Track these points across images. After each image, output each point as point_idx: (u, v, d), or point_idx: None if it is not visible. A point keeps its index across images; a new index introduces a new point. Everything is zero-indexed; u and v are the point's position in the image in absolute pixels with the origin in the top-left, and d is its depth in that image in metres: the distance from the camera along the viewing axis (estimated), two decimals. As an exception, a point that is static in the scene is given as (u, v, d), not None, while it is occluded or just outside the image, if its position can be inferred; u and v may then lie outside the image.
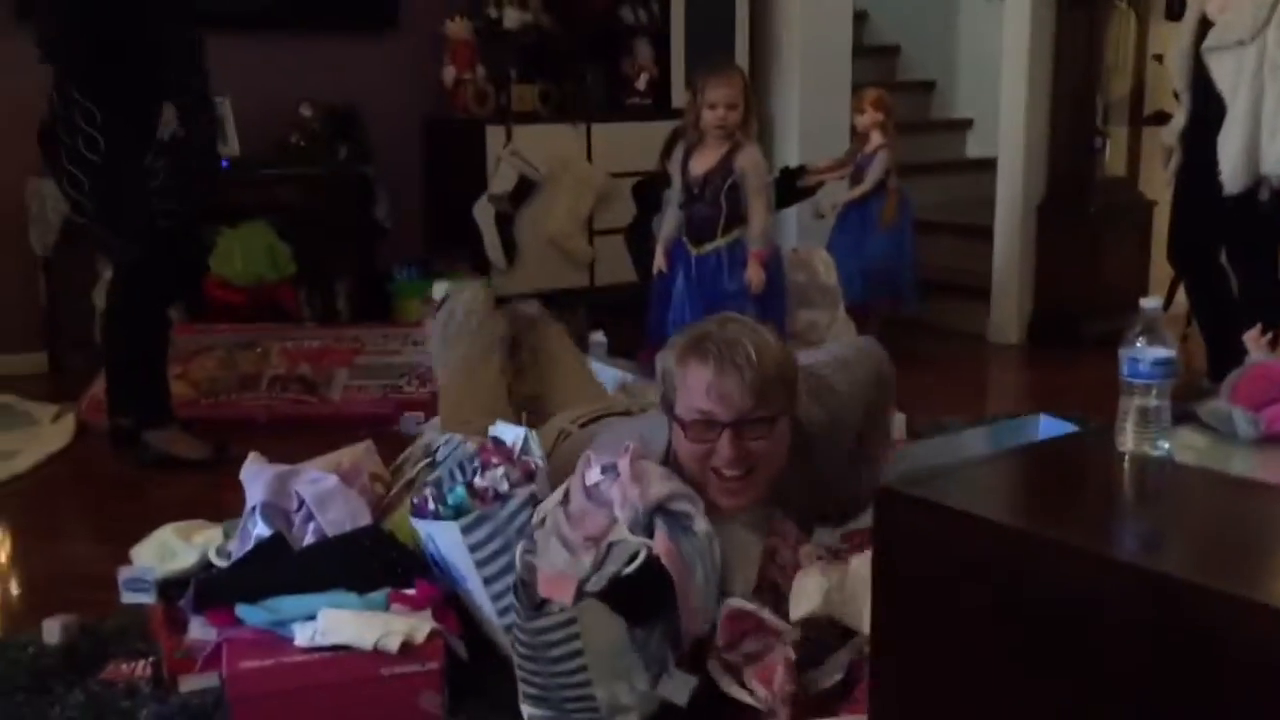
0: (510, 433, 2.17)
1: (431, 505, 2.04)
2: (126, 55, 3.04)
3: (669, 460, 2.03)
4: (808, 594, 1.84)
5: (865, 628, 1.72)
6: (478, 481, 2.05)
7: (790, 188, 4.48)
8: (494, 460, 2.07)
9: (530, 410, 2.68)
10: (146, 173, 3.10)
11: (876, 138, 4.49)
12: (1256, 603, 1.17)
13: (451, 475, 2.10)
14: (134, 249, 3.15)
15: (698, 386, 1.95)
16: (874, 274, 4.39)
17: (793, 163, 4.69)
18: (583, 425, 2.42)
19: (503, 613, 1.96)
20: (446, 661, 1.93)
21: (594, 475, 1.92)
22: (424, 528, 2.04)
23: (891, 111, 4.52)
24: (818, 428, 2.12)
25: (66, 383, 4.03)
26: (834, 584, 1.84)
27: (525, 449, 2.11)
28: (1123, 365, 1.63)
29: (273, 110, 4.44)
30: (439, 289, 3.06)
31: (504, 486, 2.01)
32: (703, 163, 3.55)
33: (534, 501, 1.97)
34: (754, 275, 3.53)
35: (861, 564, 1.83)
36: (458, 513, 1.99)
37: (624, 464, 1.88)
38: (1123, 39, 4.63)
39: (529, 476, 2.02)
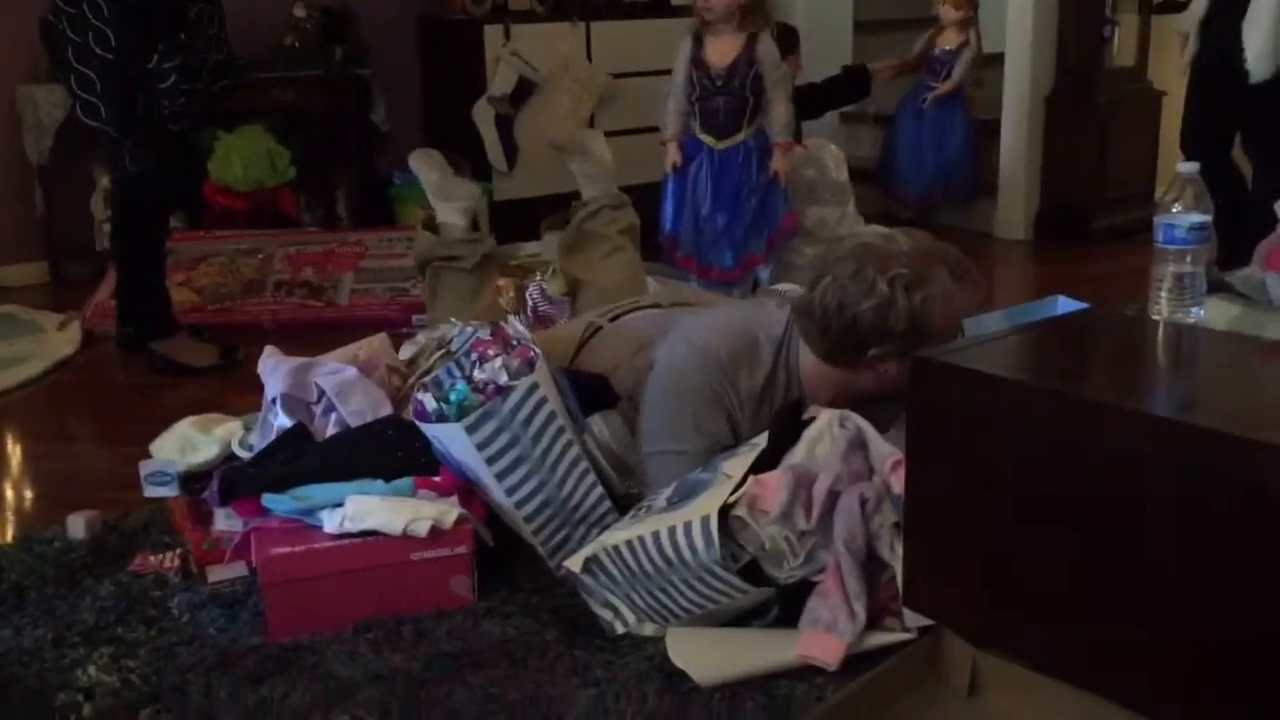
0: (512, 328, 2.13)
1: (433, 405, 2.00)
2: None
3: (780, 356, 2.01)
4: None
5: None
6: (477, 375, 2.01)
7: (852, 85, 4.47)
8: (491, 352, 2.03)
9: (571, 294, 2.66)
10: (156, 73, 3.02)
11: (957, 35, 4.48)
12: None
13: (450, 372, 2.06)
14: (145, 155, 3.07)
15: (973, 300, 1.94)
16: (951, 169, 4.54)
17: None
18: (612, 319, 2.40)
19: (519, 504, 1.96)
20: (475, 546, 1.93)
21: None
22: (428, 431, 2.01)
23: (976, 8, 4.50)
24: None
25: (68, 291, 4.00)
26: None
27: (520, 336, 2.08)
28: (1157, 231, 1.61)
29: (265, 11, 4.34)
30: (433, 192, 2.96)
31: (503, 378, 1.97)
32: (723, 53, 3.47)
33: (535, 390, 1.94)
34: (782, 165, 3.50)
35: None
36: (461, 410, 1.96)
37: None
38: (1134, -76, 4.54)
39: (529, 365, 1.99)
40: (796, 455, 1.78)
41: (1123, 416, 1.30)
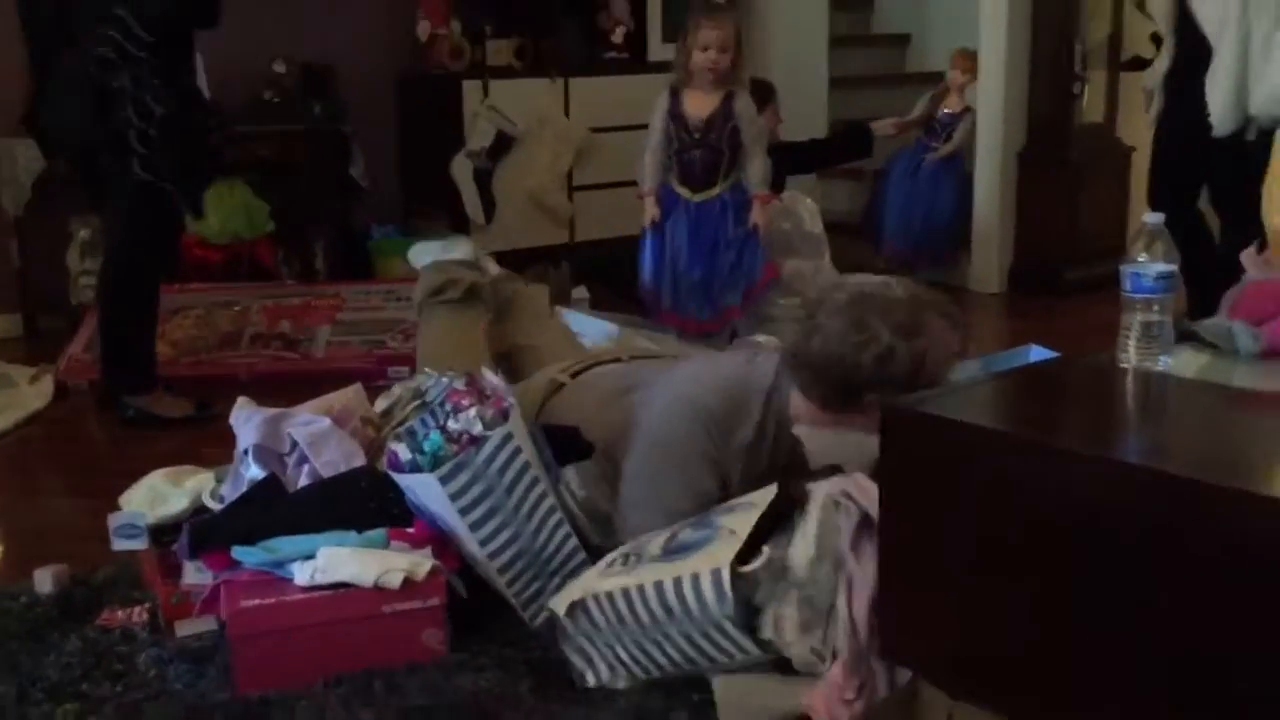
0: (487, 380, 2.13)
1: (407, 456, 1.99)
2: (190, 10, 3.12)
3: (770, 406, 2.01)
4: None
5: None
6: (451, 425, 2.00)
7: (854, 143, 4.56)
8: (465, 402, 2.03)
9: (505, 367, 2.65)
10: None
11: (959, 99, 4.71)
12: (1264, 497, 1.18)
13: (424, 422, 2.06)
14: (196, 202, 3.23)
15: (962, 344, 1.99)
16: (943, 225, 4.70)
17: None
18: (574, 375, 2.40)
19: (493, 555, 1.94)
20: (447, 598, 1.91)
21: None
22: (401, 481, 2.00)
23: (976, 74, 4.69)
24: None
25: (41, 344, 3.98)
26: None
27: (495, 387, 2.07)
28: (1124, 281, 1.63)
29: (246, 67, 4.37)
30: (416, 255, 2.98)
31: (477, 429, 1.97)
32: (701, 107, 3.52)
33: (509, 441, 1.93)
34: (760, 218, 3.54)
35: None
36: (435, 460, 1.95)
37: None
38: (1100, -17, 4.64)
39: (503, 415, 1.98)
40: (796, 550, 1.72)
41: (1094, 464, 1.30)
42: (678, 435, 2.02)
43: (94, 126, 3.06)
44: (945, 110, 4.77)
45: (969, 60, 4.72)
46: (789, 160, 4.17)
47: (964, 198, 4.78)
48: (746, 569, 1.70)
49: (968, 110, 4.74)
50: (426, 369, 2.43)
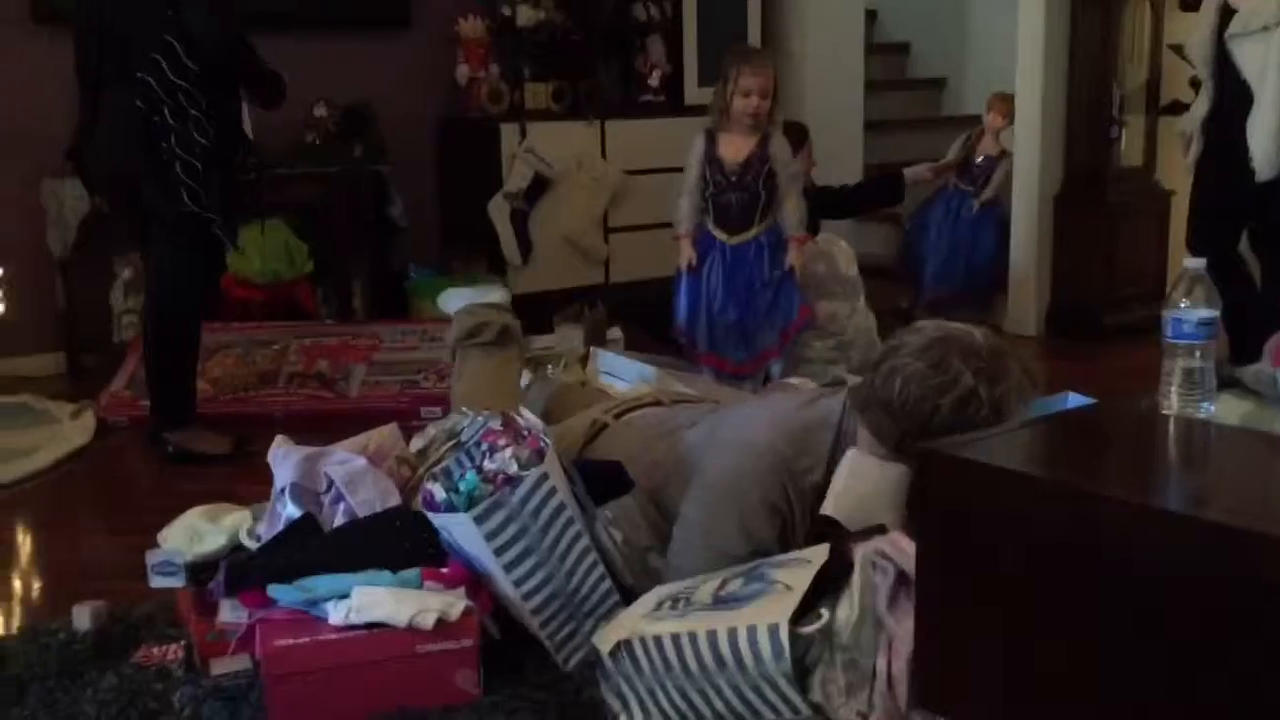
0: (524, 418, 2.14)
1: (442, 495, 1.99)
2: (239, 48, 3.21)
3: (839, 447, 1.99)
4: None
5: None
6: (487, 465, 2.01)
7: (886, 190, 4.59)
8: (501, 442, 2.03)
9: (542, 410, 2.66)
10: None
11: (994, 142, 4.76)
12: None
13: (460, 462, 2.06)
14: (236, 235, 3.28)
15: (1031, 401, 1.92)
16: (982, 270, 4.75)
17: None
18: (617, 416, 2.40)
19: (527, 596, 1.94)
20: (480, 639, 1.91)
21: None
22: (436, 520, 2.00)
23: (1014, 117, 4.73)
24: None
25: (84, 382, 4.03)
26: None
27: (531, 427, 2.08)
28: (1166, 327, 1.62)
29: (288, 109, 4.41)
30: (447, 300, 3.01)
31: (513, 468, 1.97)
32: (738, 150, 3.53)
33: (545, 481, 1.94)
34: (796, 260, 3.54)
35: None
36: (470, 500, 1.96)
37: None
38: (1138, 28, 4.63)
39: (539, 455, 1.99)
40: (841, 612, 1.70)
41: (1135, 511, 1.29)
42: (743, 480, 1.99)
43: (137, 157, 3.10)
44: (983, 154, 4.78)
45: (1006, 104, 4.73)
46: (821, 205, 4.19)
47: (1003, 241, 4.78)
48: (806, 630, 1.68)
49: (1004, 154, 4.74)
50: (462, 409, 2.44)
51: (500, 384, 2.77)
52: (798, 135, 3.96)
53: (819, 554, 1.78)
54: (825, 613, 1.69)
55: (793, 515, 1.99)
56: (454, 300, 2.98)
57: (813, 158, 4.19)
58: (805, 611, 1.70)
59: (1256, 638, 1.18)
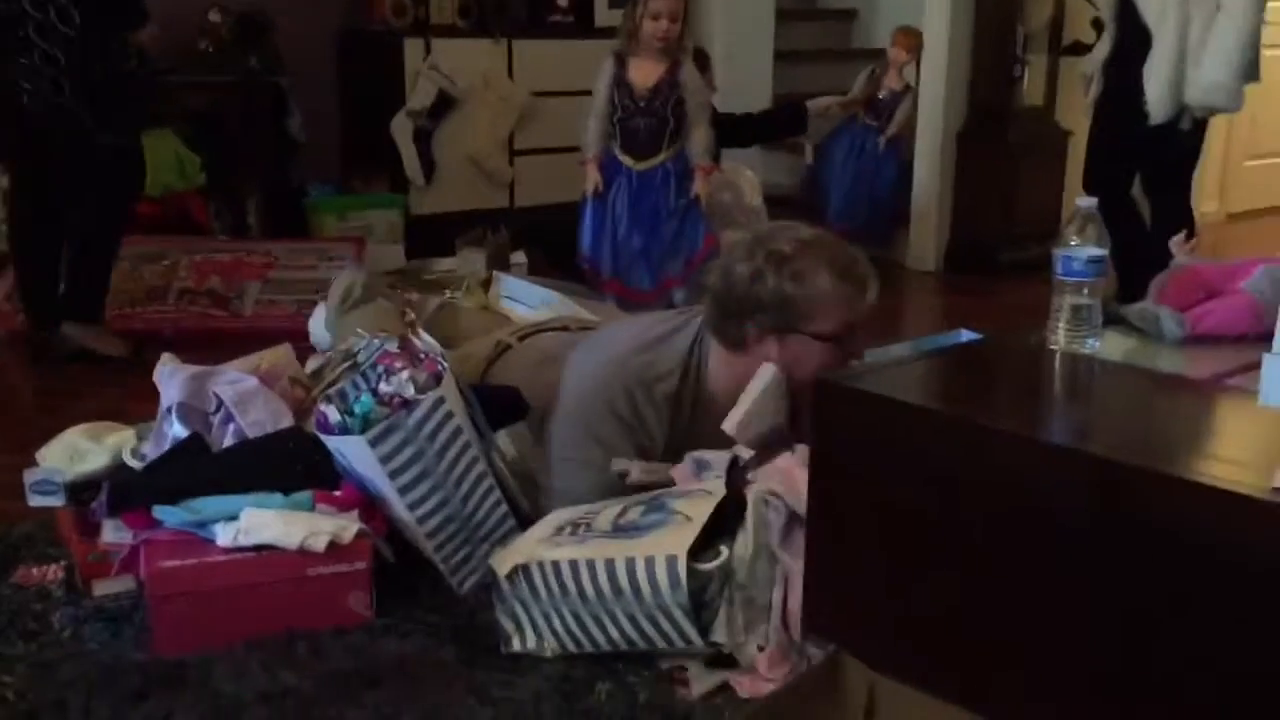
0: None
1: (337, 417, 1.96)
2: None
3: (692, 358, 2.05)
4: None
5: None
6: (383, 388, 1.99)
7: (788, 120, 4.55)
8: (398, 365, 2.01)
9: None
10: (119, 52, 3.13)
11: (900, 77, 4.72)
12: (1184, 480, 1.20)
13: (355, 384, 2.03)
14: (117, 134, 3.16)
15: (856, 302, 1.97)
16: (884, 204, 4.74)
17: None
18: (521, 338, 2.39)
19: (421, 520, 1.93)
20: (373, 562, 1.90)
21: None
22: (330, 443, 1.97)
23: (921, 51, 4.71)
24: None
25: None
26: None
27: (429, 350, 2.05)
28: (1056, 263, 1.65)
29: (180, 14, 4.24)
30: (317, 326, 2.93)
31: (409, 391, 1.95)
32: (647, 75, 3.49)
33: (441, 404, 1.92)
34: (703, 188, 3.53)
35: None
36: (366, 422, 1.93)
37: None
38: (1043, -32, 4.68)
39: (436, 379, 1.96)
40: (738, 550, 1.72)
41: (1019, 443, 1.32)
42: (590, 391, 2.04)
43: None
44: (887, 89, 4.79)
45: (911, 38, 4.73)
46: (722, 132, 4.16)
47: (906, 177, 4.82)
48: (704, 567, 1.70)
49: (908, 89, 4.76)
50: (359, 330, 2.39)
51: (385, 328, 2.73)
52: (700, 61, 3.93)
53: (719, 486, 1.80)
54: (725, 550, 1.71)
55: (642, 424, 2.02)
56: (321, 323, 2.89)
57: (714, 84, 4.16)
58: (705, 546, 1.72)
59: (1137, 568, 1.22)
